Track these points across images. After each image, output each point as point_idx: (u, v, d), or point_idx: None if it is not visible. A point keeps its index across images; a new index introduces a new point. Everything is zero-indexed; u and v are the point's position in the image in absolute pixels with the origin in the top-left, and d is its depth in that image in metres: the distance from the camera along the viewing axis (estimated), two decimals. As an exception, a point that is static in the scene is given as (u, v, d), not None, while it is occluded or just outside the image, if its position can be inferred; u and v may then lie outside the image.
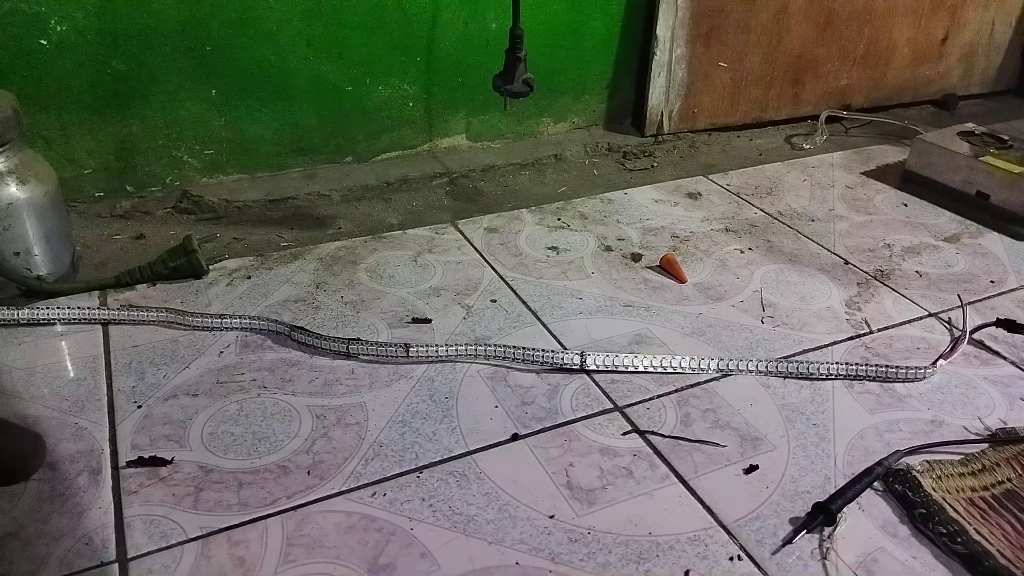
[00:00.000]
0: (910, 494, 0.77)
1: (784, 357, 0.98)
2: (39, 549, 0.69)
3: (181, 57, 1.22)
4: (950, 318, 1.08)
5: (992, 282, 1.17)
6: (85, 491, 0.75)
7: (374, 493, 0.76)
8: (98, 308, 1.00)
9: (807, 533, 0.73)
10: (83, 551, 0.69)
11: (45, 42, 1.13)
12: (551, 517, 0.74)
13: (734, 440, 0.84)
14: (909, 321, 1.07)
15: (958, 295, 1.12)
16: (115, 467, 0.78)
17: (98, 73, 1.18)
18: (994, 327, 1.04)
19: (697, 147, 1.62)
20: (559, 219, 1.30)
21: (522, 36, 1.19)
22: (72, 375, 0.90)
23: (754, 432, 0.86)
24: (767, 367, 0.94)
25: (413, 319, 1.02)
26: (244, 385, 0.90)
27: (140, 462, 0.78)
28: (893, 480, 0.79)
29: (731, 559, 0.71)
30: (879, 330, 1.05)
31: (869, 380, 0.94)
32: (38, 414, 0.84)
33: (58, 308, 0.99)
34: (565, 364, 0.93)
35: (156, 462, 0.78)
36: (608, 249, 1.22)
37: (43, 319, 0.98)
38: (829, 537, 0.73)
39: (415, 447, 0.82)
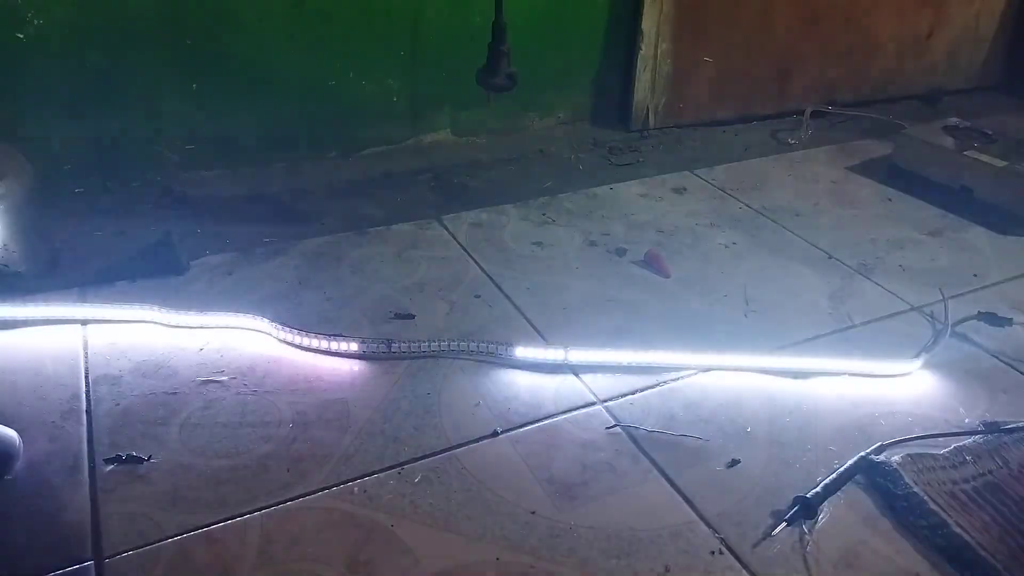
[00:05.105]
0: (892, 487, 0.77)
1: (768, 351, 0.98)
2: (14, 549, 0.68)
3: (161, 51, 1.21)
4: (932, 311, 1.08)
5: (975, 276, 1.17)
6: (62, 490, 0.74)
7: (354, 490, 0.76)
8: (77, 305, 0.99)
9: (788, 526, 0.73)
10: (59, 550, 0.68)
11: (22, 36, 1.12)
12: (532, 513, 0.74)
13: (717, 434, 0.84)
14: (892, 315, 1.07)
15: (940, 289, 1.12)
16: (92, 465, 0.77)
17: (76, 67, 1.17)
18: (976, 320, 1.04)
19: (683, 142, 1.62)
20: (544, 214, 1.30)
21: (505, 28, 1.18)
22: (50, 373, 0.89)
23: (737, 426, 0.85)
24: (751, 361, 0.94)
25: (396, 315, 1.02)
26: (224, 383, 0.89)
27: (117, 460, 0.77)
28: (875, 473, 0.79)
29: (712, 553, 0.71)
30: (862, 324, 1.05)
31: (851, 374, 0.94)
32: (15, 413, 0.83)
33: (36, 306, 0.97)
34: (548, 359, 0.93)
35: (134, 460, 0.77)
36: (593, 244, 1.21)
37: (20, 317, 0.97)
38: (810, 531, 0.73)
39: (396, 443, 0.81)
